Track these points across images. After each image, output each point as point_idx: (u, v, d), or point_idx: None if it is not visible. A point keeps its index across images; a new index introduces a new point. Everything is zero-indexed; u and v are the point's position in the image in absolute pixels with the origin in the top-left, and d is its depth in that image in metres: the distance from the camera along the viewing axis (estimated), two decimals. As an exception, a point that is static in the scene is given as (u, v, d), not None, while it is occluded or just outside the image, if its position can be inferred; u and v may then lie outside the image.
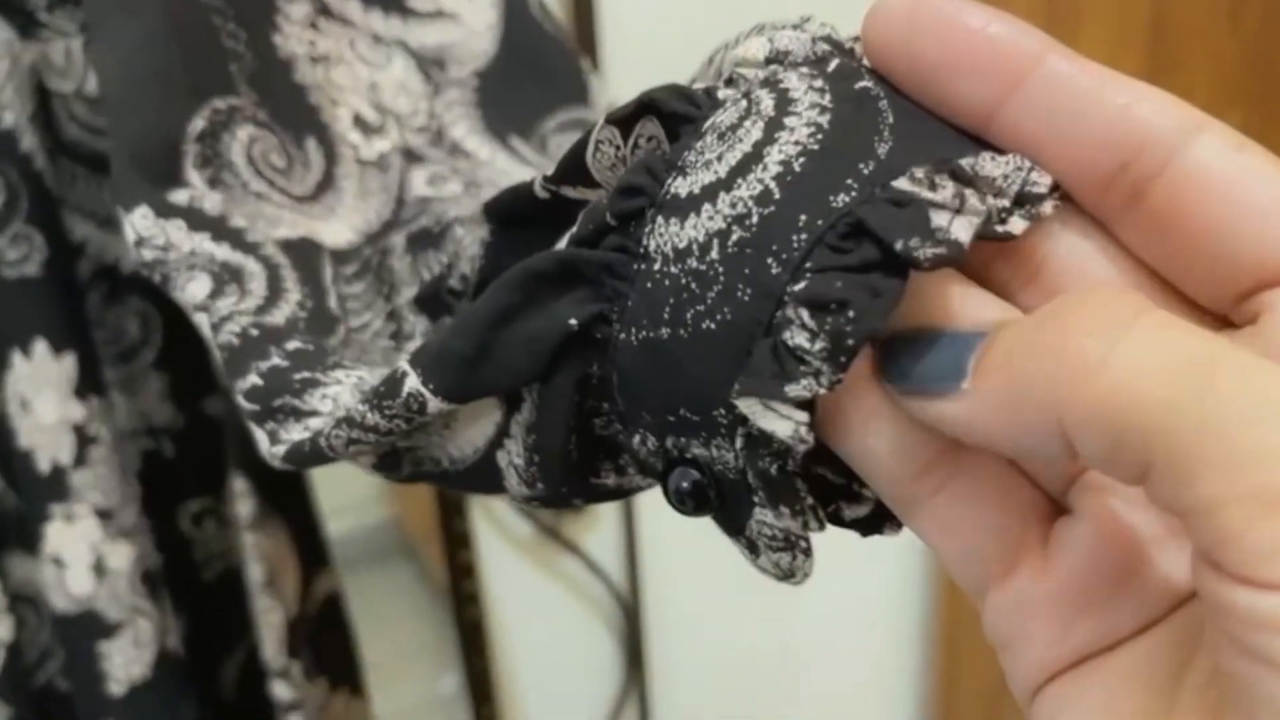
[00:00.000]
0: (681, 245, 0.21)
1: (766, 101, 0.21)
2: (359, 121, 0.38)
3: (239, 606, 0.52)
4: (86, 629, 0.46)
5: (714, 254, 0.20)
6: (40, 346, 0.44)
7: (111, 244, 0.46)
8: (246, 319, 0.31)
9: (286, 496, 0.52)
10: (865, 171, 0.20)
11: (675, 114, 0.22)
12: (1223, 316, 0.20)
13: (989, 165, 0.20)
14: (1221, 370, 0.16)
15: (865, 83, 0.21)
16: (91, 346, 0.45)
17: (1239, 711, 0.16)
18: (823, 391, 0.19)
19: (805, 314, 0.19)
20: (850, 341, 0.19)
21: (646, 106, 0.23)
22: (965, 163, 0.20)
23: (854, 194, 0.19)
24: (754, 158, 0.20)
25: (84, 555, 0.45)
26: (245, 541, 0.50)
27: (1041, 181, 0.20)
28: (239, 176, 0.35)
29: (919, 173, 0.19)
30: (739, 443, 0.21)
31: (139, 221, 0.33)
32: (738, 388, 0.20)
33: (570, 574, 0.91)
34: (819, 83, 0.21)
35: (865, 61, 0.22)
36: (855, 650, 1.14)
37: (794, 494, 0.21)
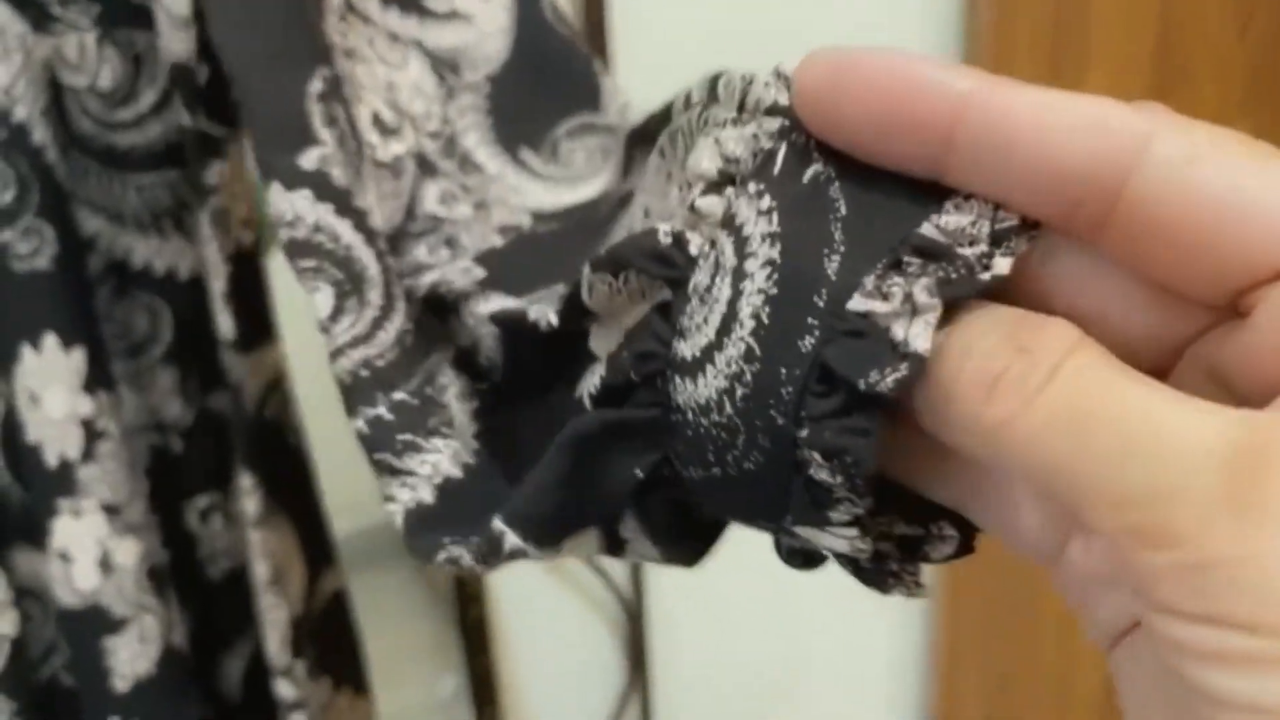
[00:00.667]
0: (701, 402, 0.23)
1: (727, 250, 0.22)
2: (377, 121, 0.38)
3: (244, 604, 0.52)
4: (92, 624, 0.46)
5: (729, 409, 0.22)
6: (50, 340, 0.43)
7: (122, 239, 0.46)
8: (359, 353, 0.32)
9: (293, 494, 0.52)
10: (820, 304, 0.21)
11: (660, 277, 0.24)
12: (1231, 307, 0.20)
13: (953, 218, 0.20)
14: (1098, 423, 0.18)
15: (814, 166, 0.22)
16: (101, 341, 0.45)
17: None
18: (860, 514, 0.21)
19: (819, 457, 0.21)
20: (858, 480, 0.20)
21: (621, 263, 0.24)
22: (926, 229, 0.20)
23: (816, 334, 0.21)
24: (730, 317, 0.22)
25: (91, 550, 0.45)
26: (251, 538, 0.50)
27: (1011, 217, 0.20)
28: (354, 142, 0.35)
29: (869, 283, 0.20)
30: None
31: (275, 199, 0.33)
32: (791, 520, 0.22)
33: (573, 576, 0.91)
34: (766, 202, 0.22)
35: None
36: (857, 656, 1.14)
37: (882, 576, 0.23)
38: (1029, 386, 0.18)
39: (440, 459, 0.31)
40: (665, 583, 0.95)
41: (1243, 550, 0.16)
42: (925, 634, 1.13)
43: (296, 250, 0.32)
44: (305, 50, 0.35)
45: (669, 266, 0.24)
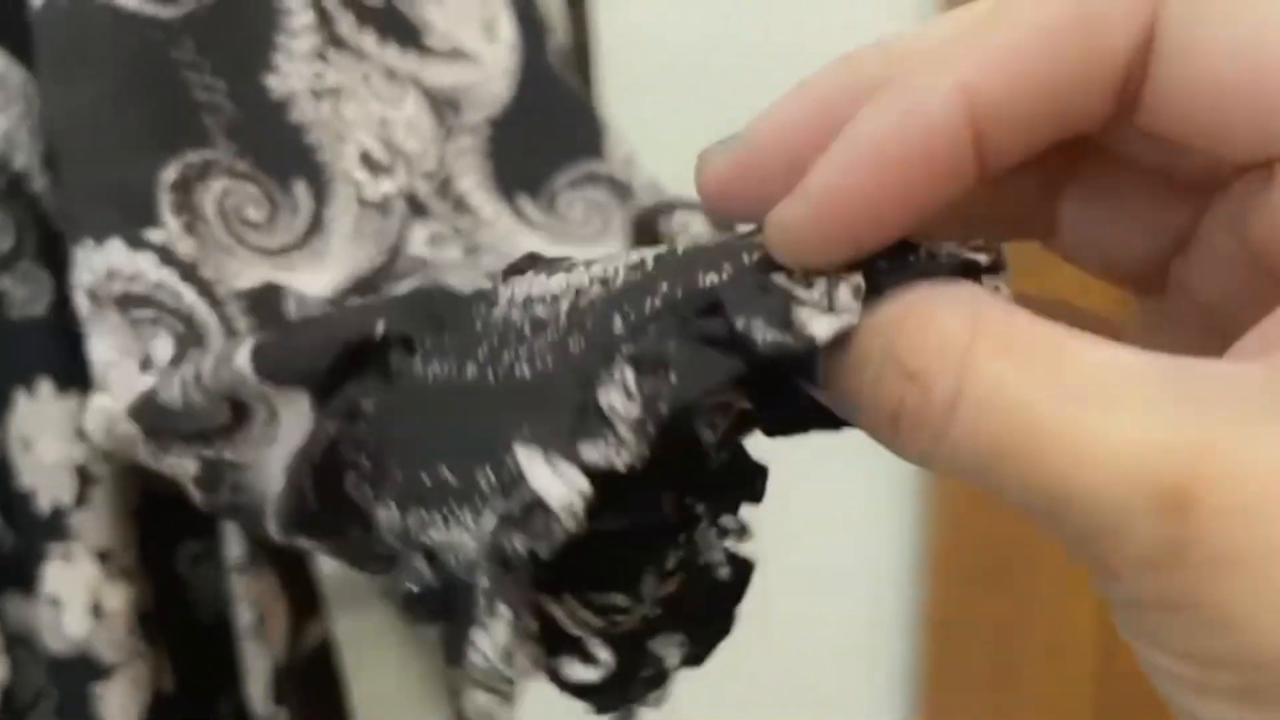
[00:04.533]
0: (535, 292, 0.19)
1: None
2: (366, 159, 0.39)
3: (233, 649, 0.52)
4: (82, 671, 0.46)
5: (564, 304, 0.19)
6: (45, 386, 0.44)
7: (116, 285, 0.46)
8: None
9: (281, 539, 0.52)
10: (747, 262, 0.18)
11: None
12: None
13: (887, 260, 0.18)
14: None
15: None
16: (94, 387, 0.45)
17: None
18: (618, 467, 0.17)
19: (629, 373, 0.17)
20: (662, 408, 0.17)
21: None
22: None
23: (726, 274, 0.18)
24: (632, 254, 0.20)
25: (81, 596, 0.45)
26: (234, 584, 0.50)
27: (979, 256, 0.19)
28: (210, 229, 0.35)
29: (798, 271, 0.18)
30: (487, 520, 0.18)
31: (113, 254, 0.33)
32: (525, 430, 0.18)
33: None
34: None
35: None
36: (844, 651, 1.13)
37: (522, 595, 0.18)
38: (931, 424, 0.17)
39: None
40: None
41: (1178, 595, 0.16)
42: (915, 642, 1.13)
43: (131, 302, 0.32)
44: (165, 136, 0.35)
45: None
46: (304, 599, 0.54)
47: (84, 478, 0.45)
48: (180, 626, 0.50)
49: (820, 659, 1.10)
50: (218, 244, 0.35)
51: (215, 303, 0.34)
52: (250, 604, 0.50)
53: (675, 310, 0.18)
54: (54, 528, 0.44)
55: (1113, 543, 0.16)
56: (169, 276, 0.33)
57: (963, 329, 0.17)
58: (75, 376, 0.44)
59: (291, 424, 0.28)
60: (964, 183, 0.18)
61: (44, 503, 0.44)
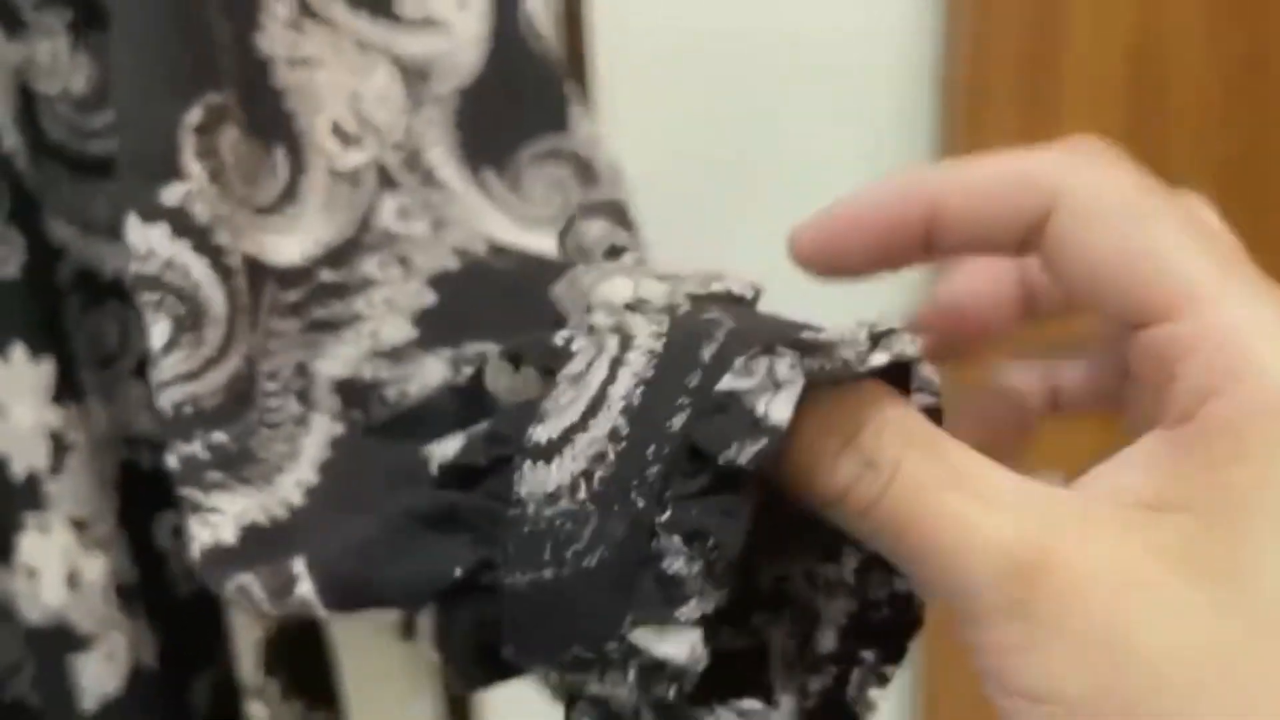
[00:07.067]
0: (550, 489, 0.22)
1: (611, 344, 0.23)
2: (337, 130, 0.38)
3: (214, 623, 0.51)
4: (58, 642, 0.45)
5: (582, 494, 0.21)
6: (18, 350, 0.43)
7: (92, 248, 0.45)
8: (185, 389, 0.32)
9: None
10: (692, 385, 0.21)
11: (539, 363, 0.24)
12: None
13: (831, 334, 0.21)
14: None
15: (714, 314, 0.23)
16: (70, 352, 0.45)
17: None
18: (709, 610, 0.21)
19: (678, 541, 0.20)
20: (719, 566, 0.20)
21: (518, 356, 0.25)
22: (806, 333, 0.21)
23: (686, 412, 0.21)
24: (600, 399, 0.22)
25: (57, 566, 0.44)
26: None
27: (889, 324, 0.22)
28: (229, 178, 0.35)
29: (738, 363, 0.21)
30: (631, 675, 0.22)
31: (130, 230, 0.32)
32: (630, 619, 0.21)
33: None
34: (662, 321, 0.23)
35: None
36: None
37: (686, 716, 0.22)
38: (871, 494, 0.21)
39: (248, 505, 0.31)
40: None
41: (1023, 645, 0.21)
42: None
43: (142, 284, 0.32)
44: (191, 74, 0.35)
45: (555, 359, 0.24)
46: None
47: (59, 444, 0.44)
48: (161, 600, 0.49)
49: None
50: (234, 196, 0.34)
51: (226, 274, 0.33)
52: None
53: (676, 470, 0.21)
54: (29, 495, 0.44)
55: (979, 596, 0.21)
56: (180, 250, 0.32)
57: (913, 428, 0.22)
58: (49, 341, 0.44)
59: None
60: (911, 250, 0.26)
61: (18, 469, 0.43)
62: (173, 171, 0.33)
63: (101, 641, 0.46)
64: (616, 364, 0.22)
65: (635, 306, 0.24)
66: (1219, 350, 0.21)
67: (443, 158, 0.39)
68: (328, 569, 0.26)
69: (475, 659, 0.25)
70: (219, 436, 0.31)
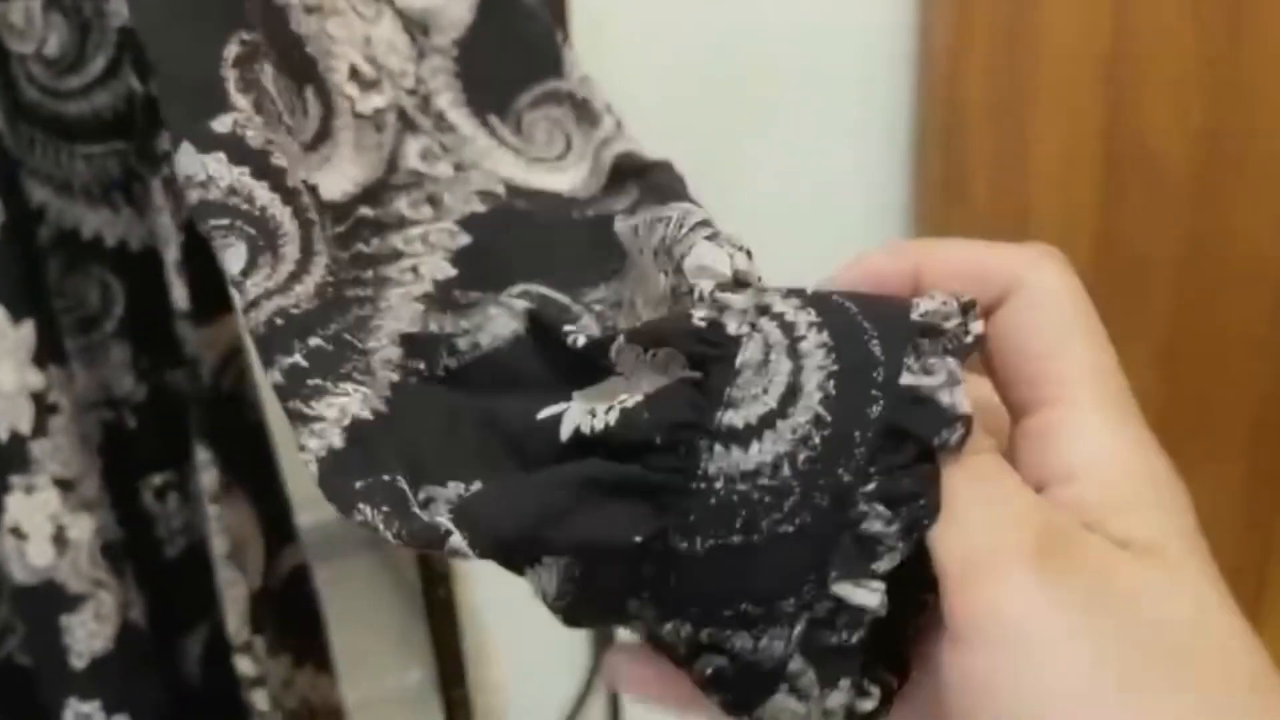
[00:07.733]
0: (749, 467, 0.25)
1: (775, 333, 0.26)
2: (355, 74, 0.38)
3: (203, 583, 0.51)
4: (47, 601, 0.45)
5: (786, 471, 0.25)
6: (-1, 314, 0.43)
7: (71, 210, 0.45)
8: (274, 303, 0.32)
9: (251, 468, 0.51)
10: (879, 379, 0.25)
11: (695, 354, 0.26)
12: None
13: (925, 304, 0.26)
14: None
15: (838, 298, 0.27)
16: (51, 314, 0.45)
17: None
18: (891, 568, 0.25)
19: (880, 507, 0.24)
20: (926, 522, 0.24)
21: (661, 340, 0.27)
22: (915, 316, 0.26)
23: (881, 403, 0.25)
24: (795, 388, 0.25)
25: (44, 526, 0.45)
26: (209, 513, 0.49)
27: (961, 295, 0.26)
28: (275, 106, 0.34)
29: (913, 364, 0.25)
30: (799, 628, 0.26)
31: (183, 159, 0.32)
32: (835, 574, 0.25)
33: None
34: (796, 300, 0.27)
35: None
36: None
37: (855, 665, 0.26)
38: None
39: (348, 401, 0.31)
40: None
41: (959, 667, 0.23)
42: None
43: (208, 211, 0.32)
44: (222, 12, 0.35)
45: (710, 346, 0.26)
46: (277, 526, 0.54)
47: (42, 406, 0.44)
48: (148, 560, 0.50)
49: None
50: (281, 122, 0.34)
51: (289, 195, 0.33)
52: (225, 533, 0.49)
53: (881, 449, 0.25)
54: (14, 456, 0.44)
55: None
56: (240, 175, 0.32)
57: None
58: (30, 303, 0.44)
59: None
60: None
61: (2, 431, 0.43)
62: (220, 102, 0.33)
63: (90, 601, 0.46)
64: (794, 355, 0.26)
65: (742, 280, 0.27)
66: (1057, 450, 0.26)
67: (451, 104, 0.39)
68: (485, 526, 0.27)
69: (602, 609, 0.28)
70: (315, 340, 0.31)
